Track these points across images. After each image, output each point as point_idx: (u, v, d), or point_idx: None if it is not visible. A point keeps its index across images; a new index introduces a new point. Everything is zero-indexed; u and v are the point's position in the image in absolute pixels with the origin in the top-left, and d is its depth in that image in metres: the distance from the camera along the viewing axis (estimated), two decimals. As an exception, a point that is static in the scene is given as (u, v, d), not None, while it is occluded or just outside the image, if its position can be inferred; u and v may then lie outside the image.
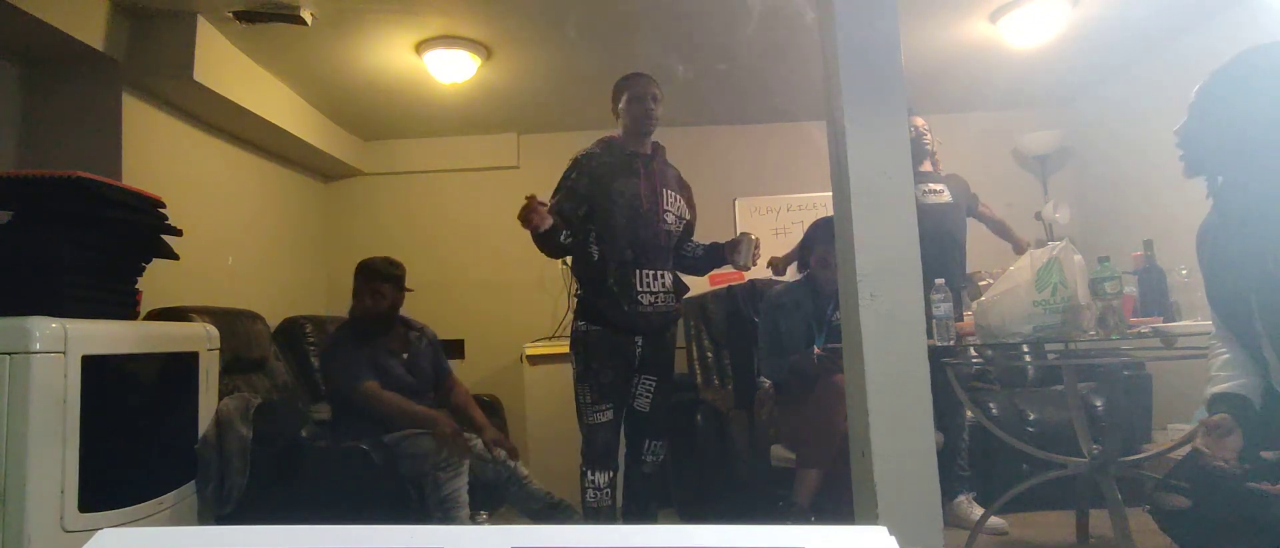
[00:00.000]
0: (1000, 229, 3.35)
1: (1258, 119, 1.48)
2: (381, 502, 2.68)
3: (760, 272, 3.87)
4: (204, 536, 0.62)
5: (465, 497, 2.74)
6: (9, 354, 1.90)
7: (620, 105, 2.62)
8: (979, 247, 3.35)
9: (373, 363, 2.87)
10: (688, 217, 2.71)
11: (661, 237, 2.57)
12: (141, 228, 2.47)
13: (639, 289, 2.52)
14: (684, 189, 2.73)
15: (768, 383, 3.01)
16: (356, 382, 2.81)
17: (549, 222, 2.41)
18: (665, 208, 2.59)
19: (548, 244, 2.50)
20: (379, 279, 2.95)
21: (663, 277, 2.57)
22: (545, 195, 2.61)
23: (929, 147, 3.19)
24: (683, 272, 2.72)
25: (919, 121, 3.16)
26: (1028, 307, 2.14)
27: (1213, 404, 1.61)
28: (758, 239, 2.65)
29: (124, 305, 2.43)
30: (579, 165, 2.58)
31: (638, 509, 2.70)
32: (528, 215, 2.37)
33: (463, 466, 2.75)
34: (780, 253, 3.38)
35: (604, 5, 3.06)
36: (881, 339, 1.64)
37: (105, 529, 0.59)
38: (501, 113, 4.29)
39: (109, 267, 2.37)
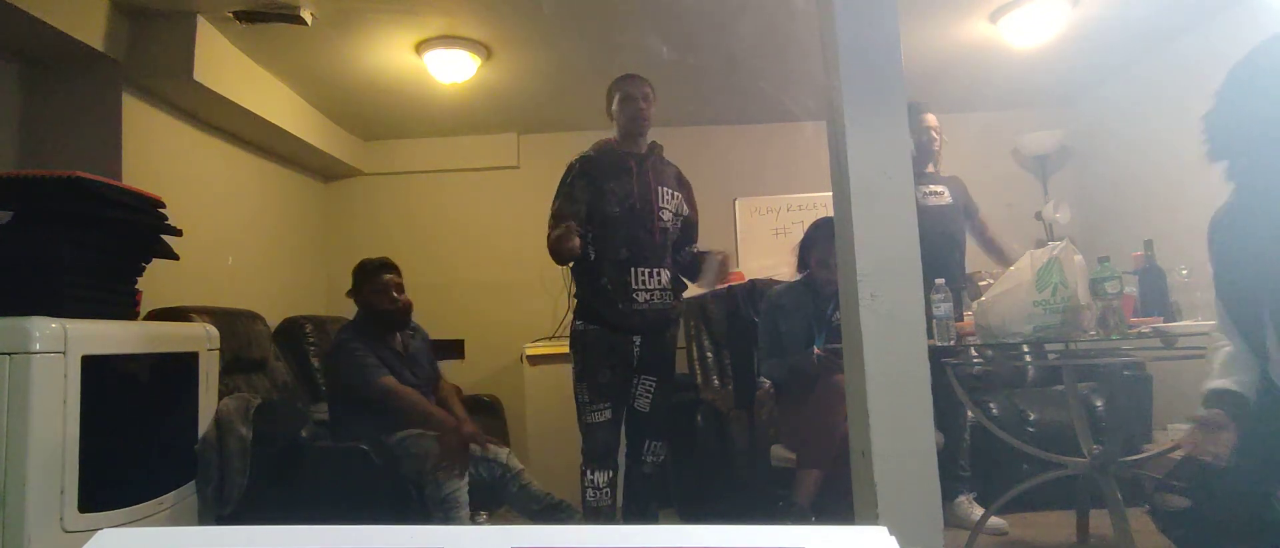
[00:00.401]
0: (991, 246, 3.27)
1: None
2: (382, 502, 2.68)
3: (760, 271, 3.88)
4: (204, 536, 0.62)
5: (465, 498, 2.74)
6: (9, 354, 1.90)
7: (613, 107, 2.63)
8: (977, 249, 3.35)
9: (383, 362, 2.88)
10: (686, 213, 2.71)
11: (657, 235, 2.57)
12: (141, 228, 2.47)
13: (635, 288, 2.52)
14: (683, 187, 2.74)
15: (768, 383, 3.01)
16: (374, 378, 2.80)
17: (580, 247, 2.43)
18: (661, 206, 2.60)
19: (568, 257, 2.50)
20: (392, 273, 2.97)
21: (659, 275, 2.58)
22: (545, 196, 2.63)
23: (937, 148, 3.18)
24: (682, 275, 2.73)
25: (931, 120, 3.14)
26: (1028, 307, 2.14)
27: (1208, 400, 1.61)
28: (723, 259, 2.65)
29: (124, 305, 2.43)
30: (573, 169, 2.60)
31: (638, 509, 2.70)
32: (561, 244, 2.40)
33: (465, 468, 2.75)
34: (778, 253, 3.38)
35: (604, 5, 3.06)
36: (881, 339, 1.64)
37: (105, 529, 0.59)
38: (501, 113, 4.29)
39: (109, 267, 2.37)
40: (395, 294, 2.96)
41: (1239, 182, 1.57)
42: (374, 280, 2.94)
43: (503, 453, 2.95)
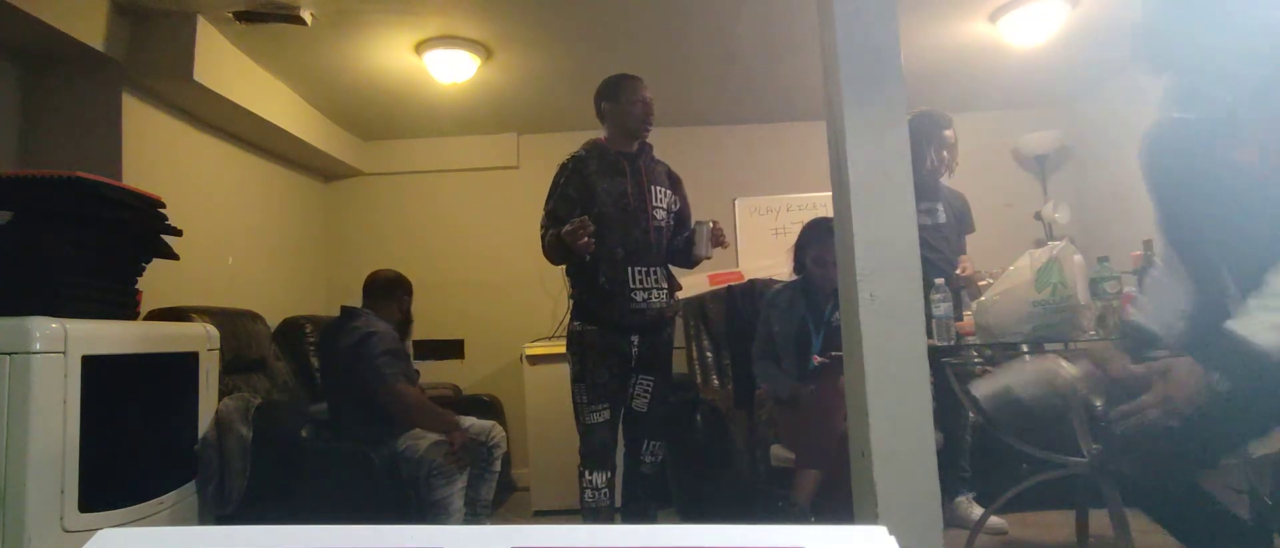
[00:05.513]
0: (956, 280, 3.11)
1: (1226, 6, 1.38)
2: (382, 502, 2.68)
3: (759, 271, 3.88)
4: (204, 536, 0.62)
5: (459, 504, 2.74)
6: (9, 354, 1.90)
7: (609, 108, 2.63)
8: (977, 248, 3.34)
9: (405, 364, 2.94)
10: (677, 208, 2.71)
11: (652, 234, 2.58)
12: (141, 228, 2.47)
13: (632, 287, 2.53)
14: (674, 183, 2.74)
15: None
16: (396, 381, 2.83)
17: (592, 247, 2.42)
18: (654, 205, 2.60)
19: (580, 254, 2.49)
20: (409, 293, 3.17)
21: (655, 273, 2.58)
22: (544, 197, 2.63)
23: (953, 166, 3.10)
24: (674, 264, 2.72)
25: (951, 134, 3.07)
26: (1027, 307, 2.14)
27: (1123, 329, 1.64)
28: (713, 223, 2.62)
29: (124, 305, 2.43)
30: (567, 169, 2.60)
31: (637, 510, 2.70)
32: (573, 241, 2.39)
33: (457, 474, 2.75)
34: (777, 253, 3.36)
35: (604, 5, 3.06)
36: (881, 339, 1.65)
37: (105, 529, 0.59)
38: (501, 113, 4.29)
39: (109, 267, 2.37)
40: (407, 310, 3.17)
41: (1185, 96, 1.47)
42: (398, 291, 3.13)
43: (487, 427, 3.02)
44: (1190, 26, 1.41)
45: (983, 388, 2.04)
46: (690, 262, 2.71)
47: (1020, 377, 1.97)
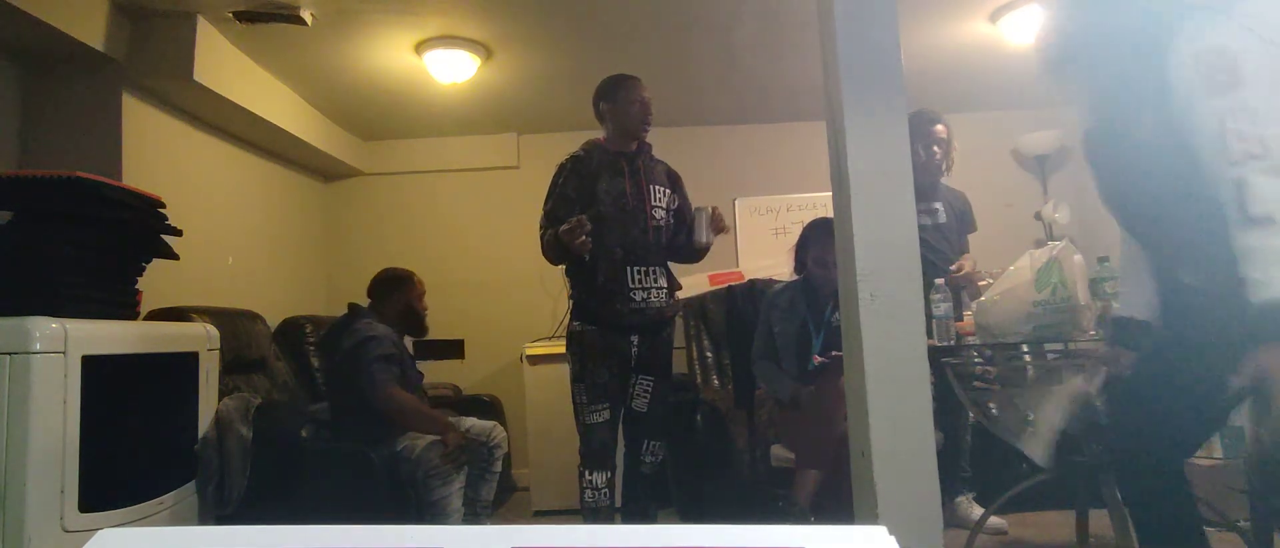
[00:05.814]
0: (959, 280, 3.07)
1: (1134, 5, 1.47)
2: (382, 503, 2.68)
3: (760, 271, 3.88)
4: (204, 536, 0.62)
5: (457, 504, 2.74)
6: (9, 354, 1.90)
7: (608, 108, 2.63)
8: (976, 248, 3.34)
9: (398, 362, 2.93)
10: (676, 206, 2.71)
11: (650, 233, 2.58)
12: (141, 228, 2.47)
13: (631, 287, 2.53)
14: (674, 182, 2.74)
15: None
16: (387, 387, 2.81)
17: (589, 246, 2.42)
18: (653, 204, 2.60)
19: (578, 253, 2.49)
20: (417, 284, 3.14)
21: (655, 273, 2.58)
22: (541, 197, 2.63)
23: (947, 164, 3.06)
24: (678, 261, 2.72)
25: (942, 131, 3.03)
26: (1028, 307, 2.14)
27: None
28: (712, 209, 2.64)
29: (124, 305, 2.43)
30: (565, 169, 2.60)
31: (637, 510, 2.70)
32: (571, 239, 2.39)
33: (455, 475, 2.75)
34: (778, 253, 3.35)
35: (604, 5, 3.06)
36: (881, 339, 1.65)
37: (105, 529, 0.59)
38: (501, 113, 4.29)
39: (109, 267, 2.37)
40: (422, 302, 3.15)
41: (1104, 97, 1.55)
42: (416, 287, 3.11)
43: (488, 427, 3.01)
44: (1089, 42, 1.53)
45: (1036, 445, 2.08)
46: (693, 254, 2.71)
47: (1059, 413, 2.01)
